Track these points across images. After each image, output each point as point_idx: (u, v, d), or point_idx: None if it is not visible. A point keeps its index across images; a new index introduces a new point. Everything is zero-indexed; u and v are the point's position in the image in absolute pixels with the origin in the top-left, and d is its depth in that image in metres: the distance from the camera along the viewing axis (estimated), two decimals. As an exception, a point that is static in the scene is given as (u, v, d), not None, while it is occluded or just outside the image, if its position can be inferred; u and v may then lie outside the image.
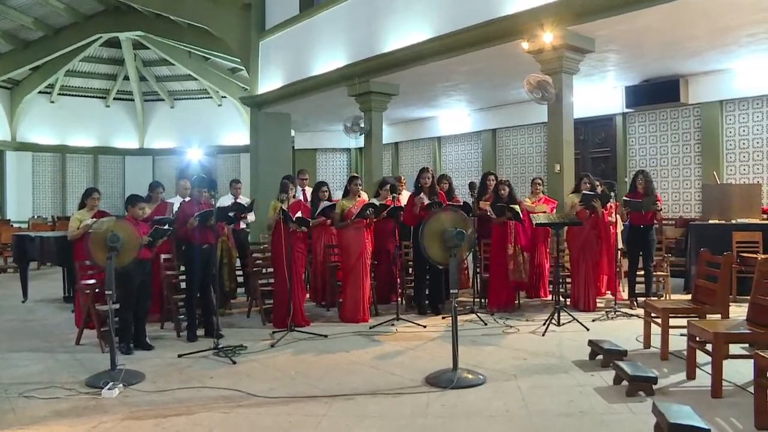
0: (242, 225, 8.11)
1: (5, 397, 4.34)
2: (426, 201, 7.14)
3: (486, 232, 7.59)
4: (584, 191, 7.30)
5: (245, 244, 8.20)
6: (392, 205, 7.17)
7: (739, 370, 4.39)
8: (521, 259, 7.17)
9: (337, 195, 9.04)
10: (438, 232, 4.82)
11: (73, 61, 18.64)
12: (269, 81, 13.06)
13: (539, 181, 8.16)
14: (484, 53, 8.71)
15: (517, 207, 7.08)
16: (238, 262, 7.95)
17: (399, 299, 7.30)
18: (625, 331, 6.05)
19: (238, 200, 7.88)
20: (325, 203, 7.26)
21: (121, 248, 4.92)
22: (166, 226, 5.94)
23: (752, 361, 3.62)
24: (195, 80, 19.82)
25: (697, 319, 4.86)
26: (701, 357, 4.51)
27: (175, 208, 6.88)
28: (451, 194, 7.84)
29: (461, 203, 7.67)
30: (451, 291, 4.74)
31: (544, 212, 7.52)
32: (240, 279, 8.18)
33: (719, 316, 4.97)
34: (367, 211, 6.86)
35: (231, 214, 6.81)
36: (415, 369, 4.91)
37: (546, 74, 8.09)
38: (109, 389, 4.35)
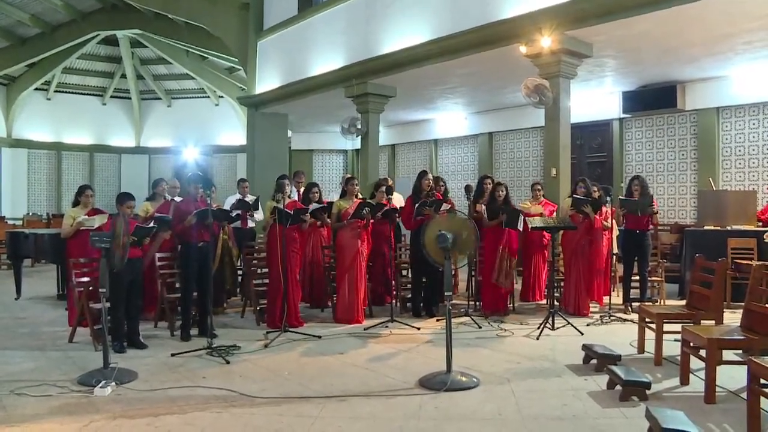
0: (250, 223, 8.08)
1: (-4, 395, 4.33)
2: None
3: (481, 234, 7.57)
4: (575, 196, 7.32)
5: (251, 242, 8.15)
6: (388, 206, 7.12)
7: (733, 376, 4.40)
8: (505, 264, 7.15)
9: (331, 196, 9.03)
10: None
11: (70, 59, 18.55)
12: (266, 81, 13.04)
13: (539, 186, 8.19)
14: (482, 56, 8.72)
15: (520, 217, 7.01)
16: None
17: (393, 301, 7.29)
18: (619, 335, 6.05)
19: (245, 199, 7.85)
20: (314, 205, 7.21)
21: (112, 245, 4.89)
22: (152, 224, 5.91)
23: (746, 367, 3.62)
24: (192, 79, 19.76)
25: (692, 324, 4.86)
26: (695, 362, 4.51)
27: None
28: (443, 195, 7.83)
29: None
30: (445, 293, 4.73)
31: (541, 215, 7.52)
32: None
33: (713, 322, 4.99)
34: (363, 211, 6.84)
35: (233, 214, 6.79)
36: (409, 371, 4.90)
37: (543, 78, 8.10)
38: (101, 387, 4.33)
